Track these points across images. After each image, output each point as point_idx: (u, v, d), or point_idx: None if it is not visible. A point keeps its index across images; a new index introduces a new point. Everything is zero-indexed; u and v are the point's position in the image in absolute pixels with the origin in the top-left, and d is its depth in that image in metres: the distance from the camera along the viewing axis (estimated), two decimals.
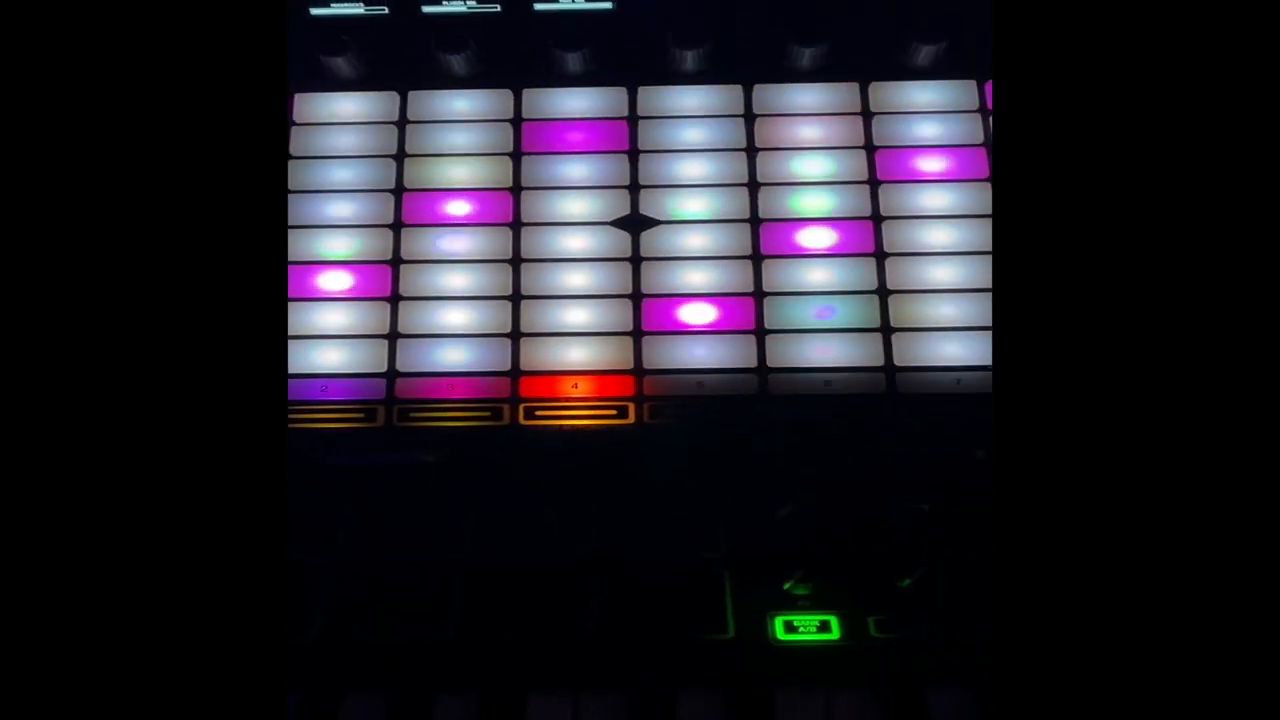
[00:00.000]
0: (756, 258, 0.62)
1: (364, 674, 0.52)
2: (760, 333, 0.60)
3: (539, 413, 0.58)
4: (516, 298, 0.61)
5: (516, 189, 0.64)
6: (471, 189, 0.64)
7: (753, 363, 0.59)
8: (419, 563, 0.55)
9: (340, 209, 0.64)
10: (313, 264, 0.62)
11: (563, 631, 0.54)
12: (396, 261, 0.62)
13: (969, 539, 0.55)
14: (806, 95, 0.66)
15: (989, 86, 0.65)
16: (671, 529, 0.57)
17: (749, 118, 0.66)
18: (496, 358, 0.60)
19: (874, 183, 0.63)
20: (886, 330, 0.60)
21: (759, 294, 0.61)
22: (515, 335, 0.60)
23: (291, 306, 0.61)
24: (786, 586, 0.55)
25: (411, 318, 0.61)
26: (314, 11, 0.68)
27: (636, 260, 0.62)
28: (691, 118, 0.66)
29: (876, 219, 0.62)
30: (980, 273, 0.61)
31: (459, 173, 0.65)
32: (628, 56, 0.67)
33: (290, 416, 0.58)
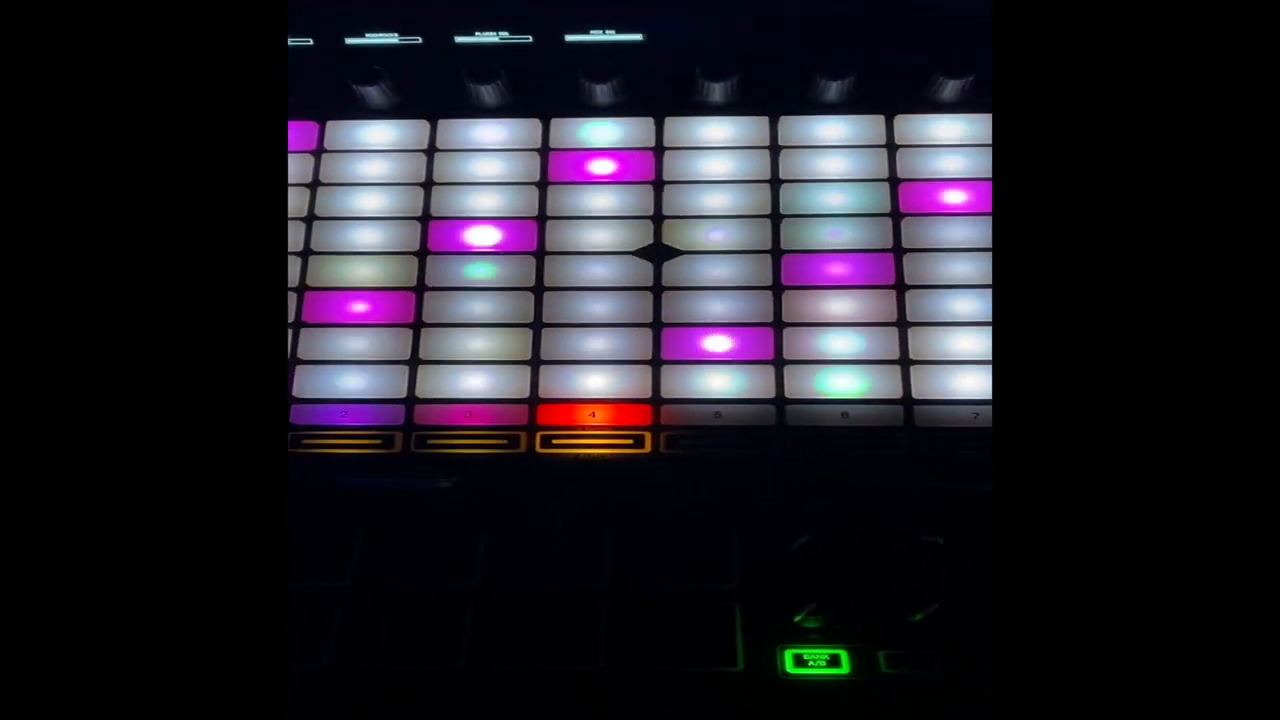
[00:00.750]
0: (777, 289, 0.62)
1: (373, 702, 0.53)
2: (779, 363, 0.60)
3: (555, 441, 0.58)
4: (538, 325, 0.62)
5: (542, 218, 0.65)
6: (497, 218, 0.65)
7: (770, 393, 0.59)
8: (430, 590, 0.56)
9: (367, 236, 0.65)
10: (338, 290, 0.63)
11: (572, 662, 0.54)
12: (420, 288, 0.63)
13: (983, 574, 0.55)
14: (831, 127, 0.66)
15: None
16: (684, 560, 0.57)
17: (774, 149, 0.66)
18: (515, 385, 0.60)
19: (896, 215, 0.63)
20: (905, 362, 0.60)
21: (778, 325, 0.61)
22: (535, 363, 0.61)
23: (315, 332, 0.62)
24: (797, 619, 0.55)
25: (433, 344, 0.61)
26: (349, 41, 0.69)
27: (658, 290, 0.62)
28: (717, 149, 0.66)
29: (898, 251, 0.63)
30: None
31: (485, 201, 0.66)
32: (656, 87, 0.68)
33: (308, 441, 0.59)
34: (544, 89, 0.69)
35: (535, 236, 0.64)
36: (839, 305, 0.62)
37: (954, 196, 0.64)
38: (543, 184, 0.66)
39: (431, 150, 0.67)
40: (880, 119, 0.66)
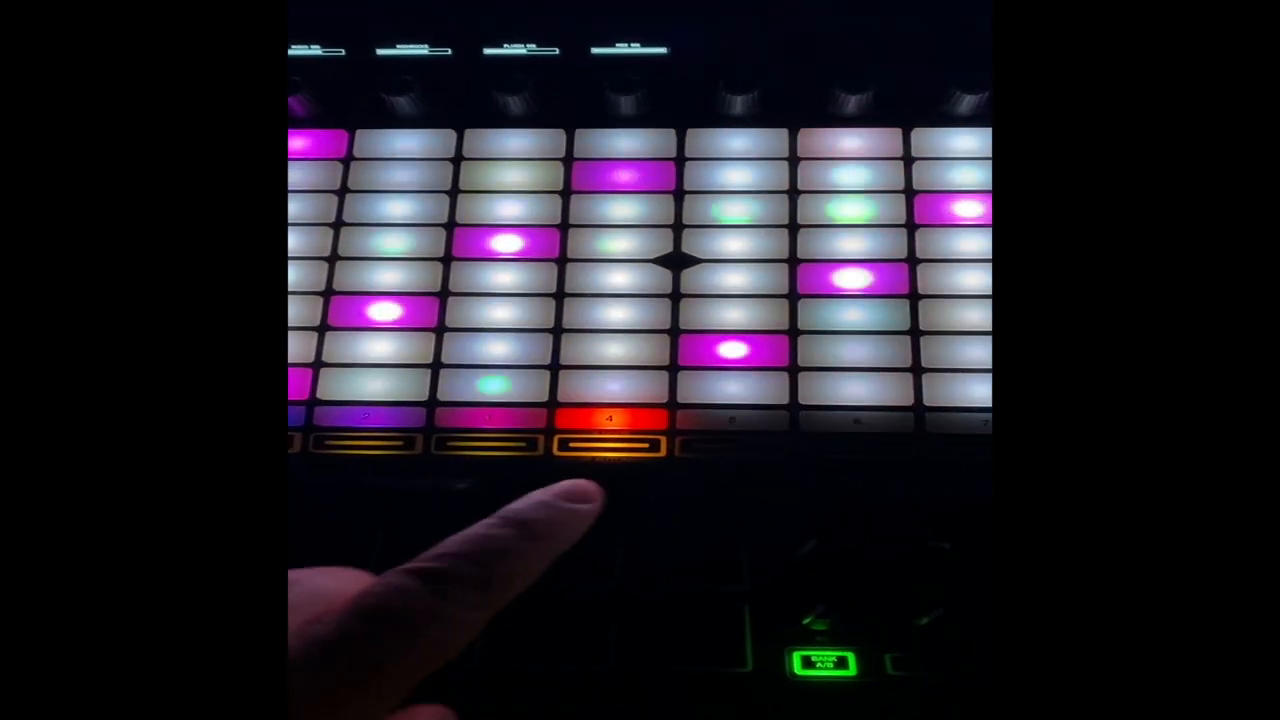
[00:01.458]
0: (793, 296, 0.63)
1: None
2: (793, 370, 0.61)
3: (573, 444, 0.60)
4: (558, 330, 0.63)
5: (564, 226, 0.66)
6: (521, 225, 0.66)
7: (784, 399, 0.60)
8: None
9: (394, 241, 0.66)
10: (364, 294, 0.65)
11: (582, 661, 0.55)
12: (445, 294, 0.64)
13: (989, 579, 0.56)
14: (849, 140, 0.67)
15: None
16: (696, 561, 0.58)
17: (793, 160, 0.67)
18: (535, 389, 0.62)
19: (911, 226, 0.64)
20: (918, 370, 0.61)
21: (793, 332, 0.62)
22: (555, 367, 0.62)
23: (341, 335, 0.64)
24: (805, 621, 0.56)
25: (455, 348, 0.63)
26: (380, 51, 0.71)
27: (676, 297, 0.64)
28: (737, 159, 0.68)
29: (912, 261, 0.63)
30: None
31: (510, 209, 0.67)
32: (679, 99, 0.69)
33: (331, 442, 0.60)
34: (569, 100, 0.70)
35: (557, 244, 0.66)
36: (853, 314, 0.62)
37: (968, 208, 0.65)
38: (566, 193, 0.67)
39: (458, 159, 0.69)
40: (897, 132, 0.67)
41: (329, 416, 0.61)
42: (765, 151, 0.68)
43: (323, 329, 0.64)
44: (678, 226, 0.66)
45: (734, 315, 0.63)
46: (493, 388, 0.62)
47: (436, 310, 0.64)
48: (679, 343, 0.62)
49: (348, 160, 0.69)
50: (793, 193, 0.66)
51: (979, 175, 0.66)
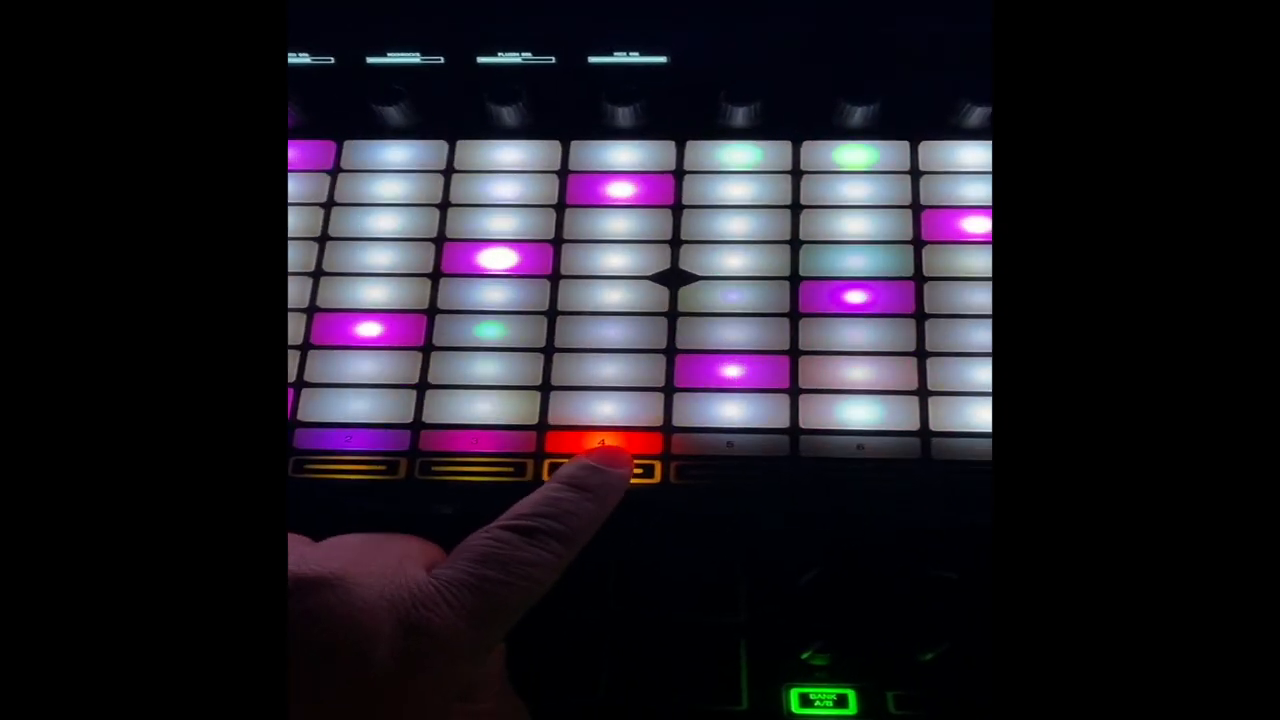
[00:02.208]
0: (794, 315, 0.61)
1: None
2: (794, 392, 0.59)
3: (575, 456, 0.57)
4: (550, 350, 0.61)
5: (558, 241, 0.64)
6: (513, 240, 0.64)
7: (785, 423, 0.58)
8: None
9: (380, 257, 0.64)
10: (348, 312, 0.62)
11: (571, 693, 0.53)
12: (432, 311, 0.62)
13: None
14: (854, 153, 0.65)
15: None
16: (691, 592, 0.56)
17: (795, 174, 0.65)
18: (525, 411, 0.59)
19: (918, 243, 0.62)
20: (923, 393, 0.58)
21: (794, 352, 0.60)
22: (545, 388, 0.60)
23: (324, 354, 0.61)
24: (804, 656, 0.54)
25: (442, 368, 0.61)
26: (370, 60, 0.69)
27: (673, 315, 0.61)
28: (738, 173, 0.65)
29: (918, 279, 0.61)
30: None
31: (502, 223, 0.65)
32: (678, 110, 0.67)
33: (311, 466, 0.58)
34: (565, 110, 0.68)
35: (551, 260, 0.63)
36: (856, 334, 0.60)
37: (977, 224, 0.62)
38: (560, 206, 0.65)
39: (449, 171, 0.67)
40: (904, 145, 0.65)
41: (310, 439, 0.59)
42: (767, 165, 0.66)
43: (305, 347, 0.61)
44: (675, 242, 0.63)
45: (733, 335, 0.61)
46: (481, 409, 0.59)
47: (424, 328, 0.62)
48: (675, 363, 0.60)
49: (335, 172, 0.67)
50: (795, 208, 0.64)
51: (989, 190, 0.63)
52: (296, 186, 0.66)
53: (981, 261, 0.61)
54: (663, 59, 0.68)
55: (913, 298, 0.61)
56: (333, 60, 0.68)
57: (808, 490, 0.56)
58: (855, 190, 0.64)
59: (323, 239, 0.64)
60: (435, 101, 0.68)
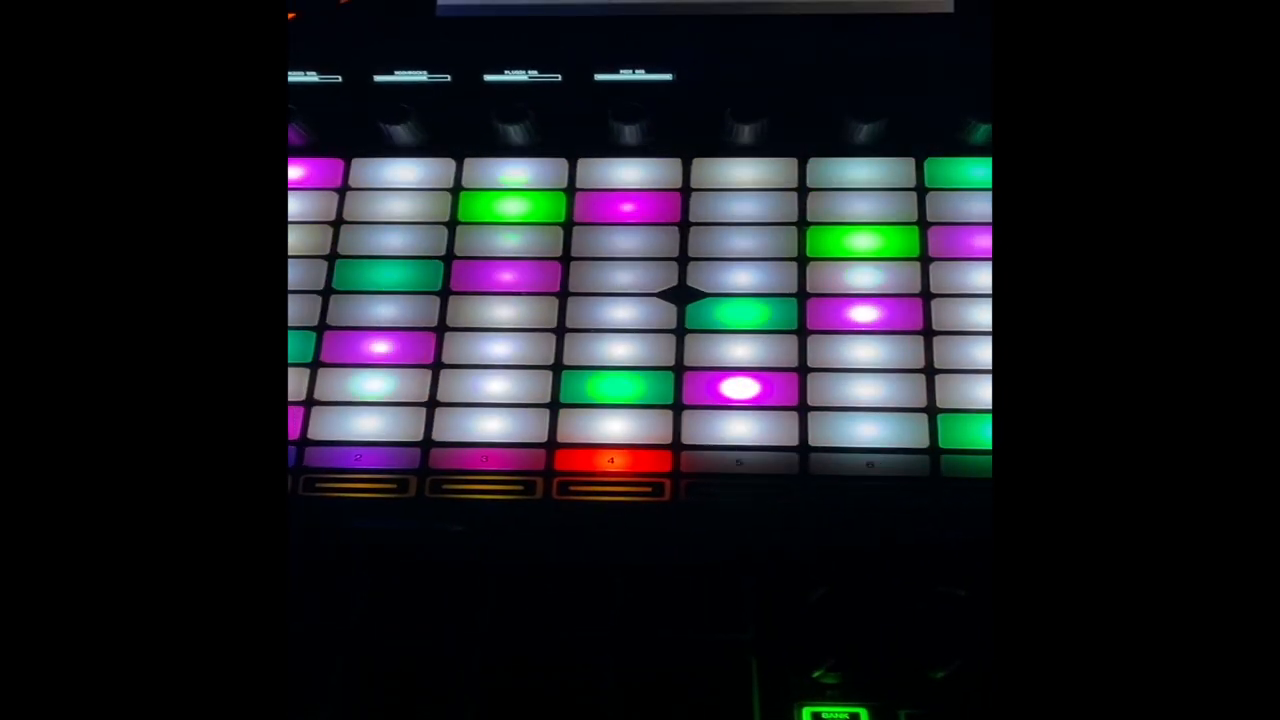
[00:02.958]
0: (802, 332, 0.61)
1: None
2: (803, 409, 0.59)
3: (573, 488, 0.57)
4: (558, 367, 0.61)
5: (566, 258, 0.64)
6: (521, 258, 0.64)
7: (794, 441, 0.58)
8: (435, 637, 0.55)
9: (390, 275, 0.64)
10: (358, 330, 0.62)
11: (575, 713, 0.53)
12: (441, 329, 0.62)
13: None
14: (861, 170, 0.65)
15: None
16: (702, 610, 0.56)
17: (802, 191, 0.65)
18: (534, 429, 0.59)
19: (925, 259, 0.62)
20: (933, 411, 0.58)
21: (803, 370, 0.60)
22: (554, 406, 0.60)
23: (334, 372, 0.61)
24: (815, 675, 0.53)
25: (451, 386, 0.61)
26: (377, 78, 0.69)
27: (681, 332, 0.61)
28: (745, 190, 0.65)
29: (926, 296, 0.61)
30: None
31: (510, 241, 0.65)
32: (684, 127, 0.67)
33: (321, 484, 0.58)
34: (572, 128, 0.68)
35: (559, 277, 0.63)
36: (865, 351, 0.60)
37: (985, 241, 0.62)
38: (568, 224, 0.65)
39: (457, 189, 0.67)
40: (910, 161, 0.65)
41: (320, 457, 0.59)
42: (774, 182, 0.66)
43: (315, 365, 0.61)
44: (683, 259, 0.64)
45: (741, 352, 0.61)
46: (490, 427, 0.59)
47: (433, 346, 0.62)
48: (684, 380, 0.60)
49: (343, 190, 0.67)
50: (802, 224, 0.64)
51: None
52: (305, 205, 0.66)
53: (989, 278, 0.61)
54: (668, 76, 0.68)
55: (921, 315, 0.61)
56: (340, 78, 0.69)
57: (817, 508, 0.56)
58: (862, 207, 0.64)
59: (332, 257, 0.65)
60: (443, 119, 0.68)
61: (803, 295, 0.62)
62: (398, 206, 0.66)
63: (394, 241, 0.65)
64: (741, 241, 0.64)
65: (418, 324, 0.63)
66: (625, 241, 0.64)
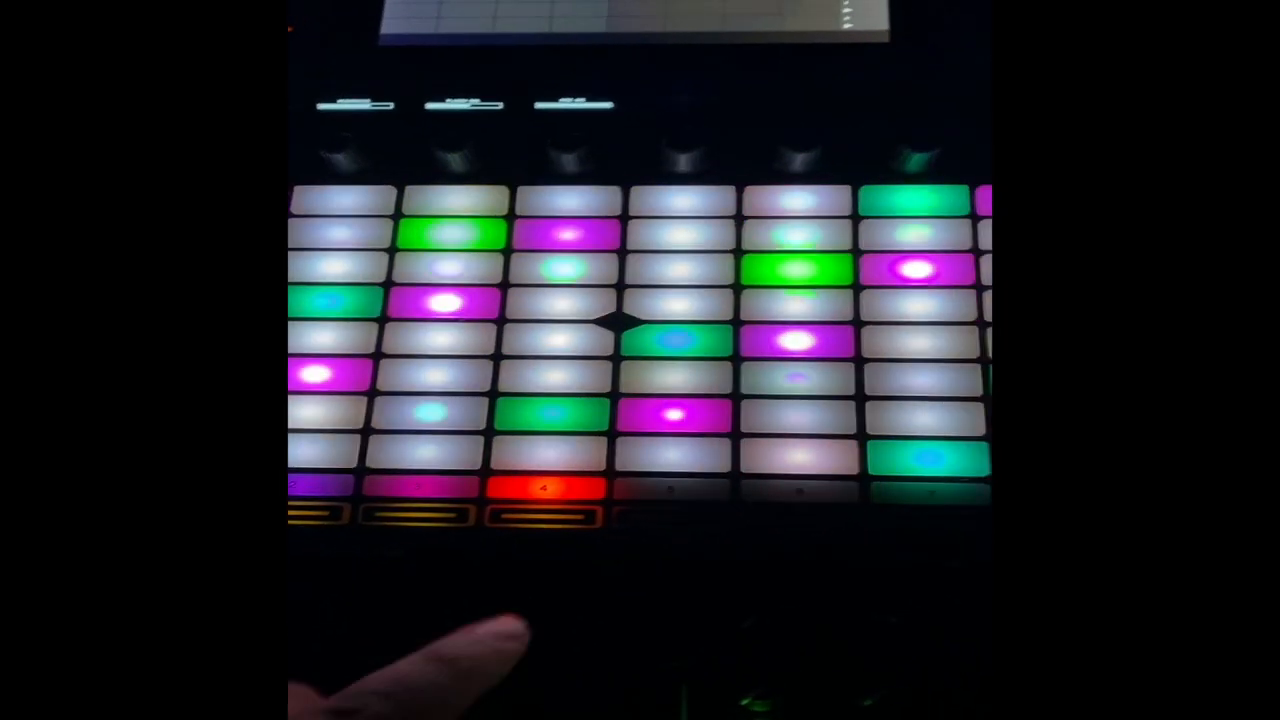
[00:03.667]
0: (736, 359, 0.61)
1: None
2: (735, 436, 0.59)
3: (505, 515, 0.57)
4: (494, 394, 0.61)
5: (505, 285, 0.64)
6: (460, 284, 0.65)
7: (726, 467, 0.59)
8: (364, 664, 0.55)
9: (328, 302, 0.64)
10: (295, 356, 0.63)
11: None
12: (378, 355, 0.62)
13: (939, 655, 0.54)
14: (796, 198, 0.66)
15: (982, 191, 0.64)
16: (632, 637, 0.56)
17: (738, 219, 0.66)
18: (469, 455, 0.59)
19: (857, 287, 0.63)
20: (862, 437, 0.59)
21: (736, 396, 0.60)
22: (489, 432, 0.60)
23: None
24: (744, 702, 0.54)
25: (387, 413, 0.61)
26: (320, 106, 0.70)
27: (617, 359, 0.62)
28: (682, 218, 0.66)
29: (857, 324, 0.62)
30: (961, 381, 0.60)
31: (449, 268, 0.65)
32: (624, 155, 0.68)
33: None
34: (513, 155, 0.68)
35: (498, 304, 0.64)
36: (796, 377, 0.61)
37: (916, 269, 0.63)
38: (508, 251, 0.66)
39: (397, 216, 0.67)
40: (845, 189, 0.66)
41: None
42: (711, 209, 0.66)
43: None
44: (620, 286, 0.64)
45: (676, 379, 0.61)
46: (424, 454, 0.60)
47: (370, 373, 0.62)
48: (619, 407, 0.60)
49: (285, 217, 0.67)
50: (738, 252, 0.65)
51: (929, 234, 0.64)
52: None
53: (919, 306, 0.62)
54: (608, 104, 0.69)
55: (852, 342, 0.61)
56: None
57: (748, 535, 0.57)
58: (797, 234, 0.65)
59: None
60: (384, 147, 0.69)
61: (737, 323, 0.62)
62: (338, 233, 0.67)
63: (334, 268, 0.66)
64: (678, 269, 0.64)
65: (355, 350, 0.63)
66: (564, 268, 0.65)
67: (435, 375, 0.62)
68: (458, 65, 0.70)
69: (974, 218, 0.64)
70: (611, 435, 0.60)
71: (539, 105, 0.69)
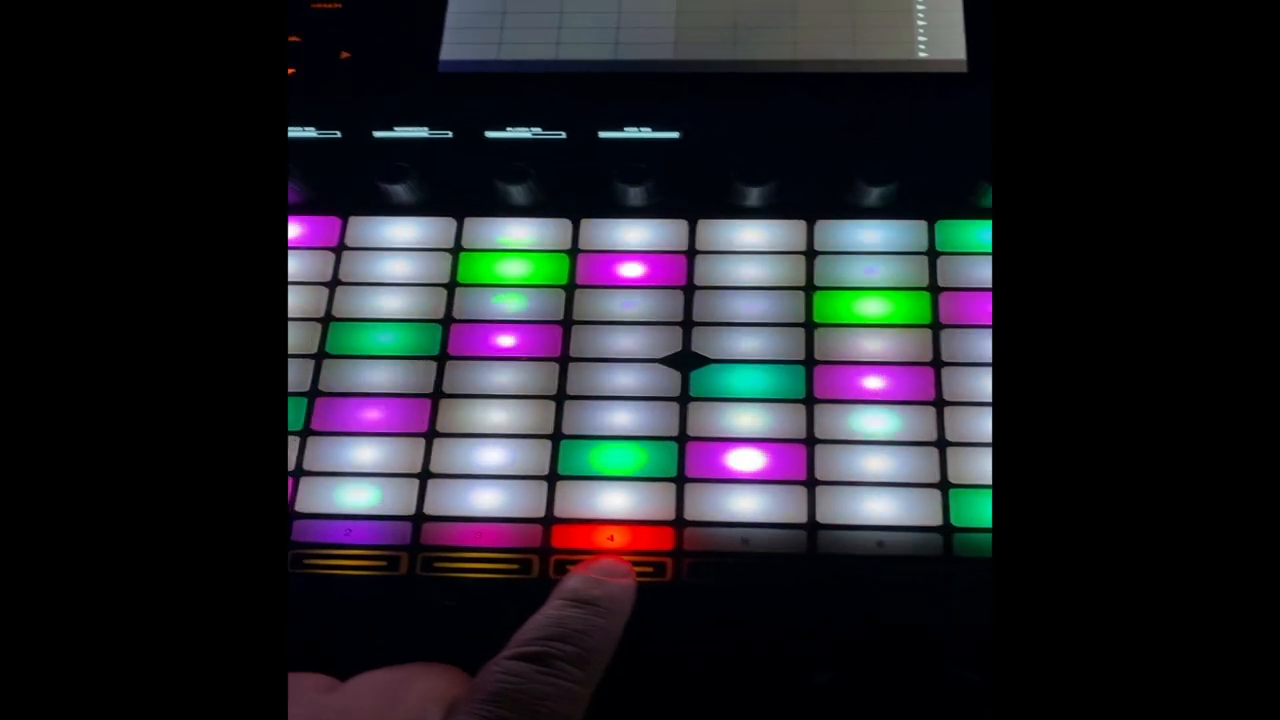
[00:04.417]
0: (810, 401, 0.59)
1: None
2: (811, 484, 0.57)
3: (570, 568, 0.55)
4: (557, 437, 0.59)
5: (568, 322, 0.62)
6: (522, 321, 0.62)
7: (802, 517, 0.56)
8: None
9: (386, 339, 0.62)
10: (350, 396, 0.61)
11: None
12: (437, 395, 0.60)
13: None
14: (870, 233, 0.64)
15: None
16: (705, 694, 0.54)
17: (809, 254, 0.63)
18: (531, 502, 0.57)
19: (936, 326, 0.60)
20: (945, 486, 0.56)
21: (810, 441, 0.58)
22: (552, 478, 0.58)
23: (325, 440, 0.59)
24: None
25: (446, 457, 0.59)
26: (377, 134, 0.68)
27: (684, 400, 0.59)
28: (752, 253, 0.64)
29: (937, 365, 0.59)
30: None
31: (510, 304, 0.63)
32: (691, 187, 0.66)
33: (310, 560, 0.56)
34: (576, 187, 0.66)
35: (560, 341, 0.62)
36: (874, 422, 0.58)
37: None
38: (570, 287, 0.63)
39: (457, 249, 0.65)
40: (921, 224, 0.64)
41: (309, 531, 0.57)
42: (781, 244, 0.64)
43: (305, 433, 0.59)
44: (688, 324, 0.62)
45: (747, 421, 0.59)
46: (486, 501, 0.57)
47: (428, 413, 0.60)
48: (687, 451, 0.58)
49: (339, 249, 0.65)
50: (809, 289, 0.62)
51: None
52: (300, 264, 0.65)
53: None
54: (674, 134, 0.66)
55: (933, 384, 0.59)
56: (339, 134, 0.67)
57: (826, 590, 0.54)
58: (871, 271, 0.62)
59: (326, 319, 0.63)
60: (443, 177, 0.67)
61: (810, 362, 0.60)
62: (395, 267, 0.65)
63: (391, 303, 0.63)
64: (747, 306, 0.62)
65: (412, 390, 0.61)
66: (628, 305, 0.63)
67: (496, 416, 0.60)
68: (519, 93, 0.67)
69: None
70: (680, 481, 0.57)
71: (603, 134, 0.67)
